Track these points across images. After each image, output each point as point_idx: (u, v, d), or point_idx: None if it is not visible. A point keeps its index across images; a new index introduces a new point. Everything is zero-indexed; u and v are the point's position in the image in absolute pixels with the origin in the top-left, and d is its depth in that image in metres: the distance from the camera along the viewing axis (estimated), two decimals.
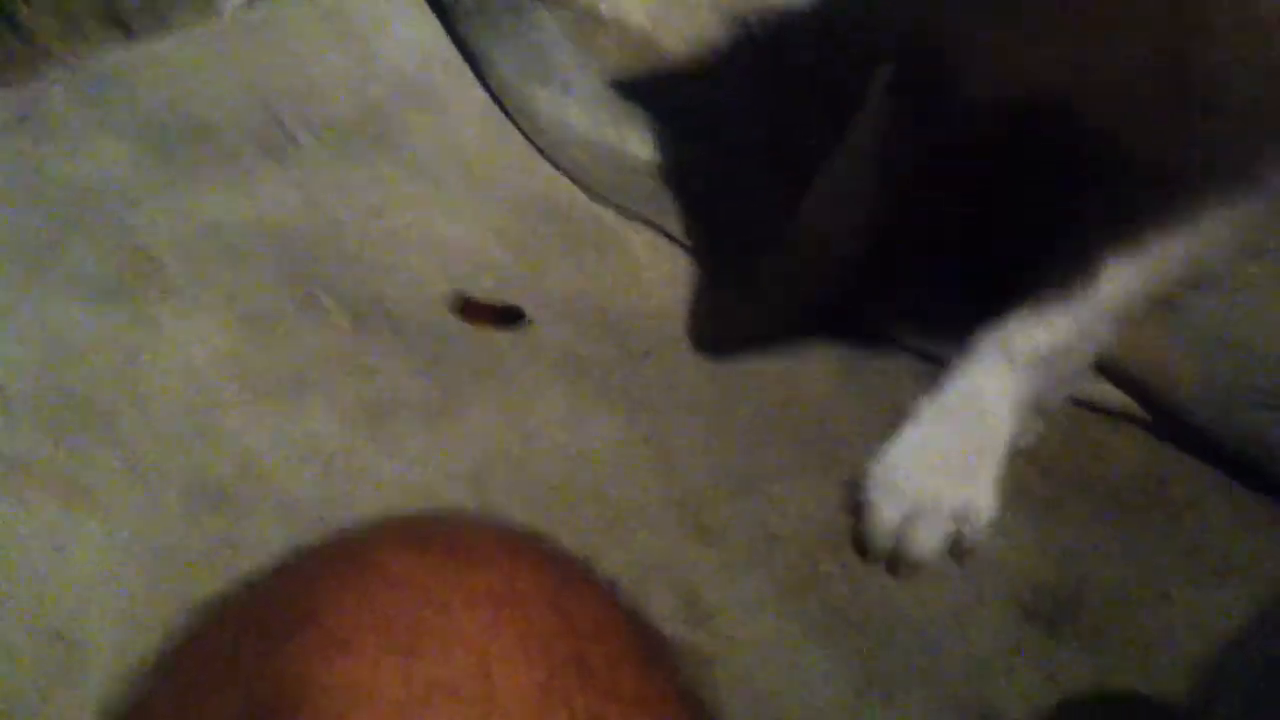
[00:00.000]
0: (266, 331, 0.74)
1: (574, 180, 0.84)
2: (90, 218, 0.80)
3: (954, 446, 0.65)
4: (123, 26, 0.87)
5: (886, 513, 0.65)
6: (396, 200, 0.83)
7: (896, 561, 0.65)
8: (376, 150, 0.86)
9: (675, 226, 0.81)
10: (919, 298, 0.76)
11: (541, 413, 0.72)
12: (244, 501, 0.66)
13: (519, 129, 0.88)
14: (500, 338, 0.75)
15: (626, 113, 0.84)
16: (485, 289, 0.78)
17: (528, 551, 0.33)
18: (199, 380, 0.71)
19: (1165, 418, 0.71)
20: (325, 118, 0.88)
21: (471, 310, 0.75)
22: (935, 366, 0.71)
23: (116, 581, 0.62)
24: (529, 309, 0.77)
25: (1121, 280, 0.59)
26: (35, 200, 0.80)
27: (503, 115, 0.89)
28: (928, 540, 0.64)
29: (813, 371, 0.75)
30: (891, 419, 0.69)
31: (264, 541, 0.64)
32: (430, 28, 0.92)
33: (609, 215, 0.83)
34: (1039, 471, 0.71)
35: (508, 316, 0.75)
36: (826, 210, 0.72)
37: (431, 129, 0.88)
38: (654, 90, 0.83)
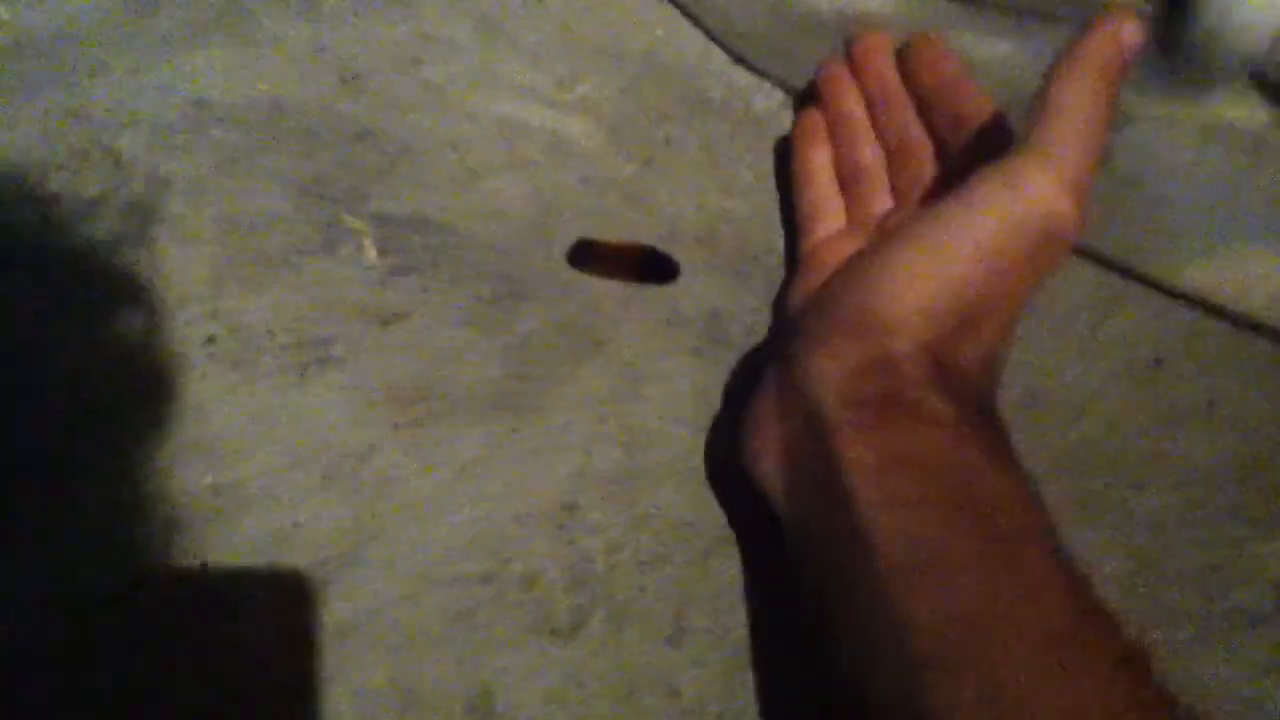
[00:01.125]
0: (268, 271, 0.51)
1: (714, 38, 0.57)
2: (36, 88, 0.57)
3: None
4: None
5: None
6: (455, 65, 0.58)
7: None
8: None
9: None
10: None
11: (655, 404, 0.48)
12: (219, 522, 0.44)
13: None
14: (602, 288, 0.51)
15: None
16: (577, 206, 0.53)
17: None
18: (168, 338, 0.49)
19: None
20: None
21: (598, 259, 0.51)
22: None
23: None
24: (634, 233, 0.52)
25: None
26: None
27: None
28: None
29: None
30: None
31: (239, 586, 0.43)
32: None
33: (762, 93, 0.56)
34: None
35: (656, 268, 0.50)
36: None
37: None
38: None
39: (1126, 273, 0.47)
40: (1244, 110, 0.48)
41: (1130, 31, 0.35)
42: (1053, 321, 0.48)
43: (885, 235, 0.40)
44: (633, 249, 0.51)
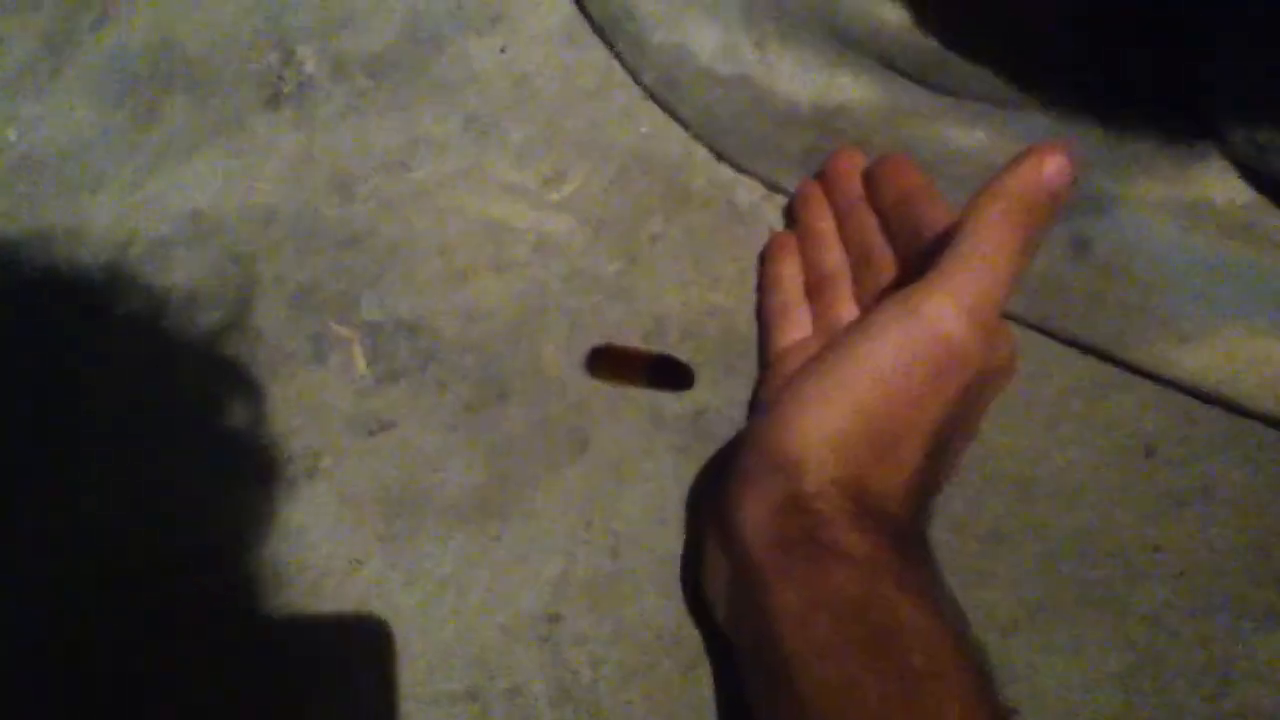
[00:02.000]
0: (253, 383, 0.52)
1: (695, 134, 0.57)
2: (40, 206, 0.58)
3: None
4: None
5: None
6: (444, 167, 0.59)
7: None
8: (421, 93, 0.62)
9: None
10: None
11: (639, 505, 0.47)
12: (206, 625, 0.45)
13: (616, 57, 0.61)
14: (587, 388, 0.51)
15: (779, 33, 0.56)
16: (562, 305, 0.53)
17: None
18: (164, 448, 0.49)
19: None
20: (354, 49, 0.64)
21: (614, 365, 0.50)
22: None
23: None
24: (619, 330, 0.52)
25: None
26: None
27: (593, 35, 0.63)
28: None
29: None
30: None
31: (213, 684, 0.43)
32: None
33: (744, 187, 0.56)
34: None
35: (671, 376, 0.50)
36: None
37: (496, 60, 0.63)
38: (826, 5, 0.55)
39: (1115, 360, 0.47)
40: (1227, 191, 0.47)
41: (1053, 166, 0.36)
42: (1043, 409, 0.47)
43: (797, 369, 0.40)
44: (648, 356, 0.50)
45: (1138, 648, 0.42)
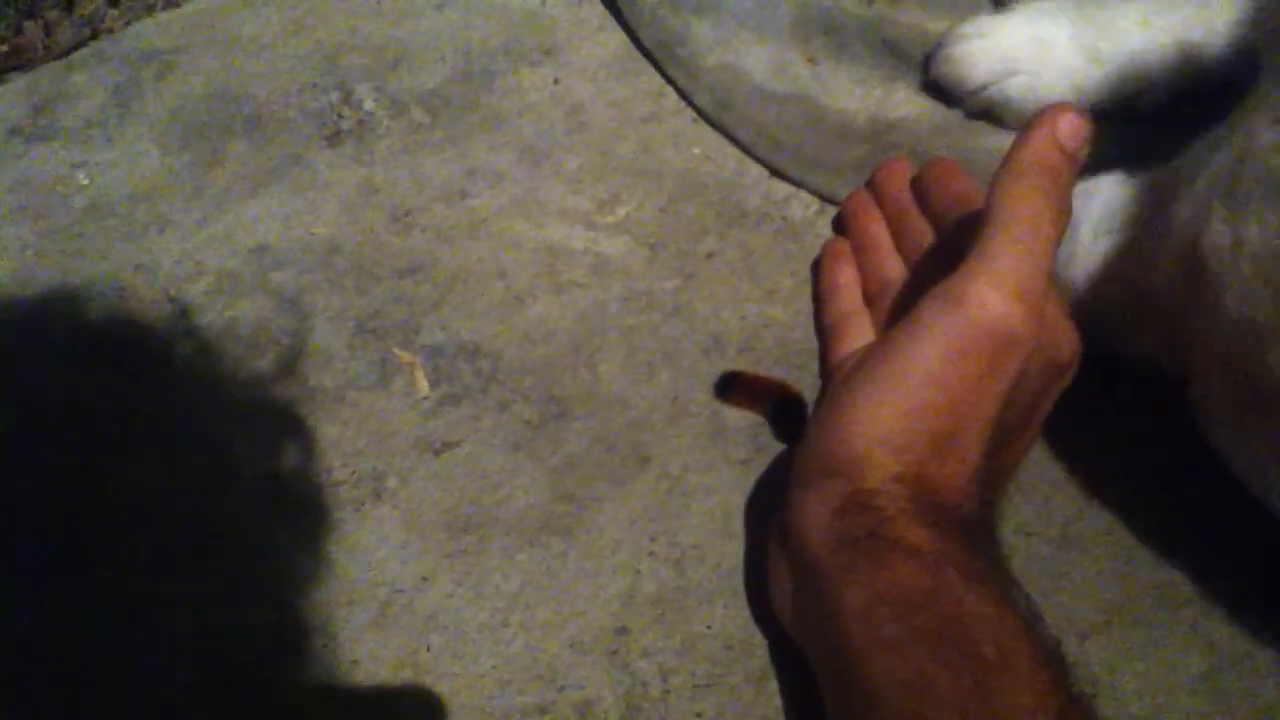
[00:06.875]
0: (324, 408, 0.52)
1: (750, 152, 0.58)
2: (110, 247, 0.60)
3: None
4: None
5: None
6: (501, 196, 0.59)
7: None
8: (477, 126, 0.63)
9: None
10: None
11: (703, 518, 0.47)
12: (276, 661, 0.45)
13: (668, 81, 0.62)
14: (647, 404, 0.51)
15: (831, 49, 0.57)
16: (620, 325, 0.53)
17: None
18: (234, 480, 0.50)
19: None
20: (410, 86, 0.65)
21: (742, 391, 0.50)
22: None
23: None
24: (677, 347, 0.52)
25: None
26: (40, 228, 0.61)
27: (645, 63, 0.64)
28: None
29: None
30: None
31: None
32: None
33: (799, 202, 0.56)
34: None
35: (785, 416, 0.50)
36: None
37: (549, 91, 0.64)
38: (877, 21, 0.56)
39: None
40: None
41: (1068, 125, 0.36)
42: (1111, 408, 0.47)
43: (850, 370, 0.40)
44: (773, 388, 0.50)
45: (1219, 647, 0.41)
